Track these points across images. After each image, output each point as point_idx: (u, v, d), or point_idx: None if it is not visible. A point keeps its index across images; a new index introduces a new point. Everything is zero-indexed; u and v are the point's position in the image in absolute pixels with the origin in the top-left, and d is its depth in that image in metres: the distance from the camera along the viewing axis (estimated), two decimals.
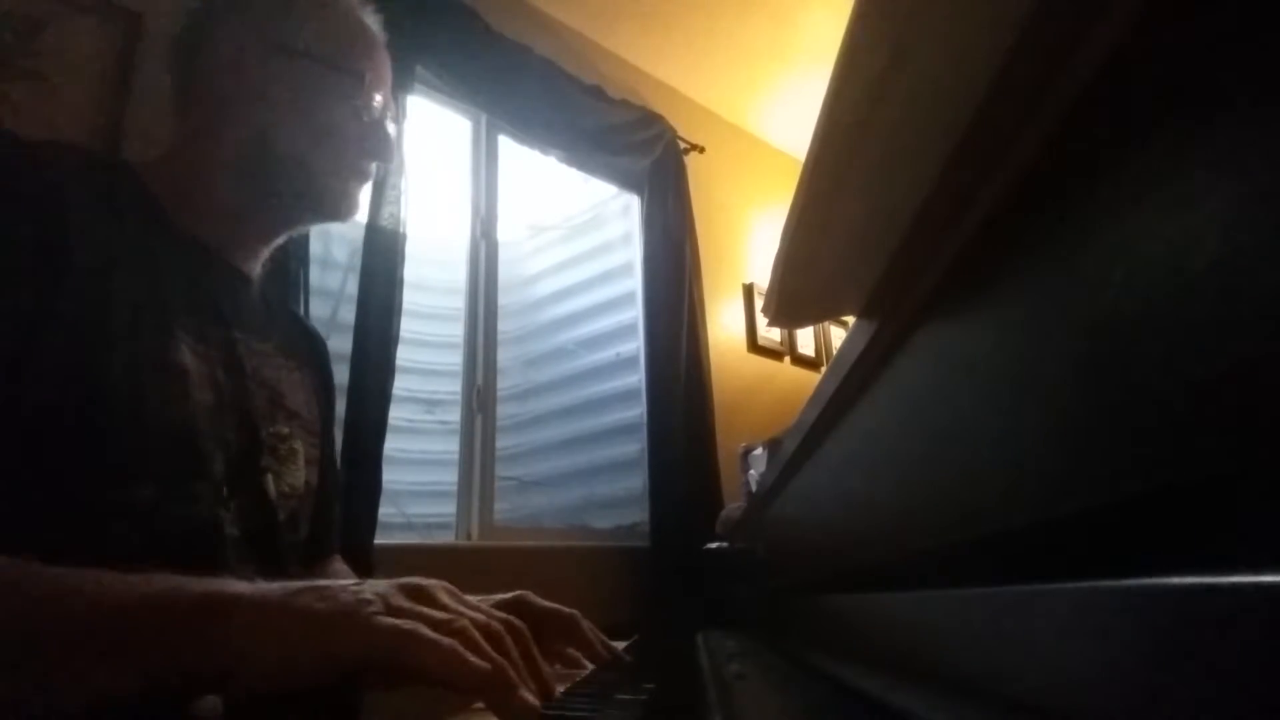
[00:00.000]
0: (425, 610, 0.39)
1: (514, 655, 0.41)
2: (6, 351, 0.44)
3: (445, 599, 0.42)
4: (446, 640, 0.36)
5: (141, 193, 0.59)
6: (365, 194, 0.73)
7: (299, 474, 0.66)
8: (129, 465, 0.49)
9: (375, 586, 0.40)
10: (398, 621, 0.36)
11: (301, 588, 0.38)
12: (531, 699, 0.38)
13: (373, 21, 0.70)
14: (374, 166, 0.70)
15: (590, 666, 0.69)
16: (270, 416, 0.64)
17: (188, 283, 0.59)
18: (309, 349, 0.76)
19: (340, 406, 1.39)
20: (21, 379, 0.44)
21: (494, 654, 0.38)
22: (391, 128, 0.70)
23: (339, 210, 0.68)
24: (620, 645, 0.73)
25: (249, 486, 0.59)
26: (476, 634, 0.39)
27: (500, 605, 0.67)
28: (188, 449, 0.53)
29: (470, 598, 0.45)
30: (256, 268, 0.69)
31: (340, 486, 0.81)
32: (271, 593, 0.37)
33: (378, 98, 0.69)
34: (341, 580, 0.41)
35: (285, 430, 0.66)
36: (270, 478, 0.62)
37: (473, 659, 0.36)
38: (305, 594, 0.38)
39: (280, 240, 0.70)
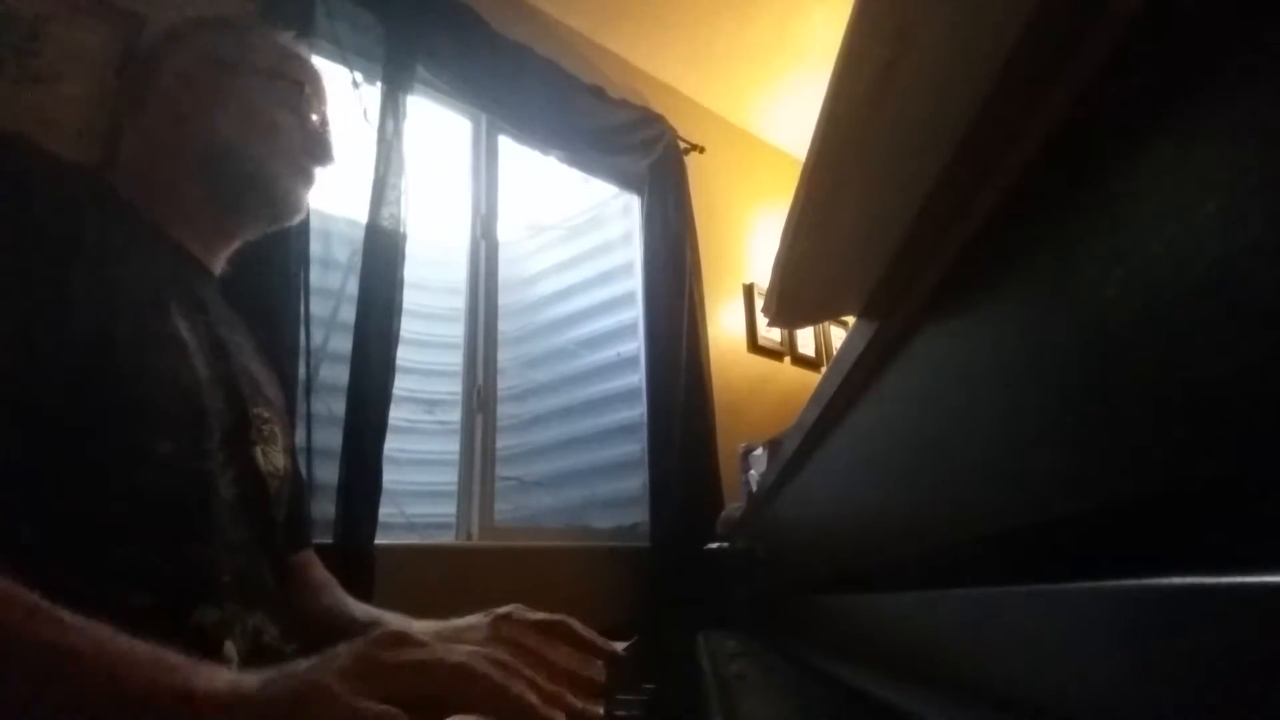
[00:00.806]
0: (407, 660, 0.38)
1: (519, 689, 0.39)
2: (36, 327, 0.50)
3: (426, 642, 0.40)
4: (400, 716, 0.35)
5: (114, 195, 0.66)
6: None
7: (279, 456, 0.71)
8: (147, 422, 0.54)
9: (337, 654, 0.38)
10: (362, 706, 0.35)
11: (273, 676, 0.37)
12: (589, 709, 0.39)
13: (306, 53, 0.81)
14: (316, 170, 0.77)
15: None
16: (253, 399, 0.69)
17: (170, 273, 0.65)
18: (266, 349, 0.82)
19: (340, 406, 1.39)
20: (51, 352, 0.50)
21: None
22: (332, 138, 0.79)
23: (286, 207, 0.75)
24: (620, 645, 0.73)
25: (242, 456, 0.64)
26: (474, 668, 0.38)
27: (487, 624, 0.68)
28: (196, 411, 0.58)
29: (453, 622, 0.45)
30: (219, 266, 0.76)
31: (304, 484, 0.86)
32: (243, 687, 0.36)
33: (317, 111, 0.77)
34: (305, 662, 0.39)
35: (265, 414, 0.70)
36: (259, 451, 0.66)
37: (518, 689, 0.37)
38: (272, 684, 0.37)
39: (238, 244, 0.77)
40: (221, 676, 0.37)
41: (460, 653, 0.39)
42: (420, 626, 0.64)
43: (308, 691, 0.35)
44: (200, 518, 0.56)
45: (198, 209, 0.71)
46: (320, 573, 0.81)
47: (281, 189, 0.74)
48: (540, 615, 0.72)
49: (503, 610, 0.67)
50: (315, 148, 0.76)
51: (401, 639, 0.39)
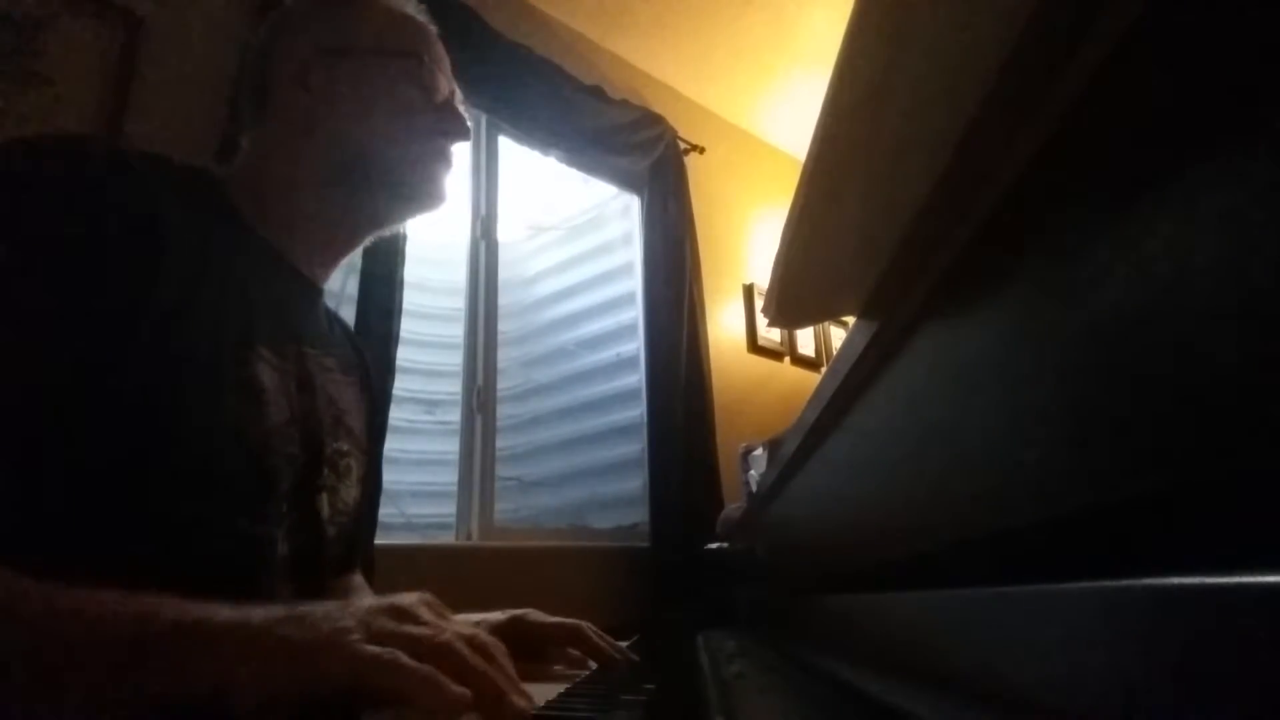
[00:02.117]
0: (408, 630, 0.39)
1: (502, 664, 0.41)
2: (97, 353, 0.44)
3: (428, 616, 0.42)
4: (425, 668, 0.36)
5: (226, 204, 0.60)
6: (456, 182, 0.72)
7: (352, 490, 0.66)
8: (203, 479, 0.49)
9: (358, 611, 0.40)
10: (378, 651, 0.36)
11: (284, 616, 0.38)
12: (521, 702, 0.39)
13: (417, 11, 0.71)
14: (453, 149, 0.69)
15: (593, 667, 0.69)
16: (334, 433, 0.64)
17: (270, 296, 0.59)
18: (359, 361, 0.76)
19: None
20: (110, 381, 0.45)
21: (479, 666, 0.39)
22: (463, 109, 0.70)
23: (427, 197, 0.67)
24: (622, 646, 0.73)
25: (305, 504, 0.59)
26: (462, 647, 0.39)
27: (498, 627, 0.67)
28: (260, 468, 0.54)
29: (470, 616, 0.45)
30: (328, 278, 0.70)
31: (377, 505, 0.82)
32: (254, 622, 0.37)
33: (442, 80, 0.69)
34: (325, 605, 0.40)
35: (345, 447, 0.66)
36: (325, 495, 0.62)
37: (451, 685, 0.36)
38: (287, 623, 0.38)
39: (366, 243, 0.70)
40: (223, 609, 0.38)
41: (449, 633, 0.40)
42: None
43: (325, 643, 0.37)
44: (251, 581, 0.53)
45: (325, 220, 0.65)
46: (352, 580, 0.77)
47: (421, 181, 0.66)
48: (555, 620, 0.72)
49: (518, 612, 0.67)
50: (447, 123, 0.67)
51: (403, 612, 0.41)
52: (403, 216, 0.69)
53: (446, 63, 0.71)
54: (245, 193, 0.61)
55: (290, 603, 0.41)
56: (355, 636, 0.37)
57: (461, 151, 0.74)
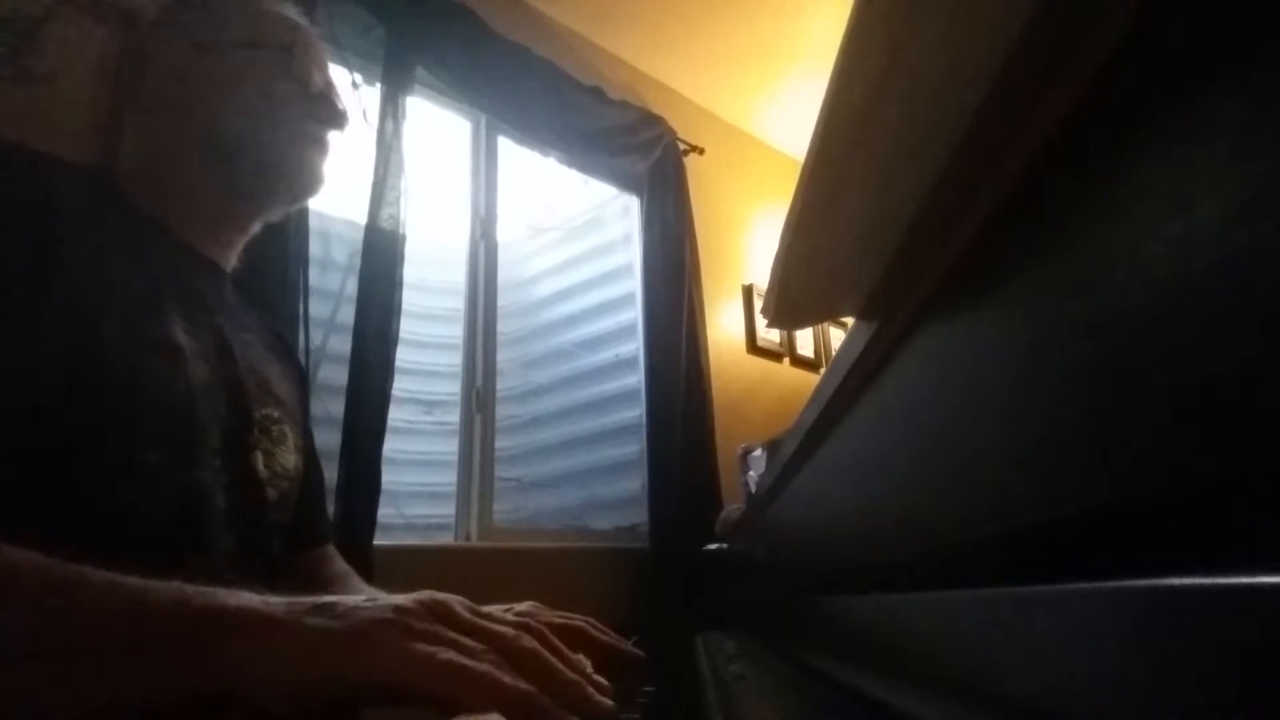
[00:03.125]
0: (451, 635, 0.37)
1: (555, 668, 0.39)
2: (14, 338, 0.47)
3: (466, 615, 0.40)
4: (483, 667, 0.35)
5: (119, 195, 0.64)
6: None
7: (290, 456, 0.69)
8: (135, 431, 0.52)
9: (391, 602, 0.38)
10: (432, 651, 0.35)
11: (313, 605, 0.36)
12: (603, 700, 0.37)
13: (288, 10, 0.75)
14: (330, 136, 0.72)
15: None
16: (260, 399, 0.67)
17: (172, 273, 0.62)
18: (281, 344, 0.80)
19: (339, 407, 1.39)
20: (29, 362, 0.47)
21: (554, 665, 0.37)
22: (339, 100, 0.73)
23: (303, 182, 0.71)
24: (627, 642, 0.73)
25: (239, 462, 0.61)
26: (530, 642, 0.37)
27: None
28: (187, 419, 0.56)
29: (490, 608, 0.44)
30: (231, 261, 0.72)
31: (323, 478, 0.83)
32: (281, 610, 0.36)
33: (315, 72, 0.72)
34: (355, 596, 0.39)
35: (275, 414, 0.68)
36: (260, 455, 0.64)
37: (512, 684, 0.34)
38: (317, 612, 0.36)
39: (255, 229, 0.73)
40: (249, 596, 0.36)
41: (509, 631, 0.39)
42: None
43: (371, 631, 0.35)
44: (192, 529, 0.55)
45: (208, 203, 0.68)
46: (335, 566, 0.79)
47: (294, 164, 0.69)
48: (559, 616, 0.72)
49: (521, 607, 0.67)
50: (320, 111, 0.71)
51: (437, 608, 0.39)
52: (282, 201, 0.72)
53: (321, 57, 0.74)
54: (136, 184, 0.65)
55: (314, 594, 0.39)
56: (396, 632, 0.35)
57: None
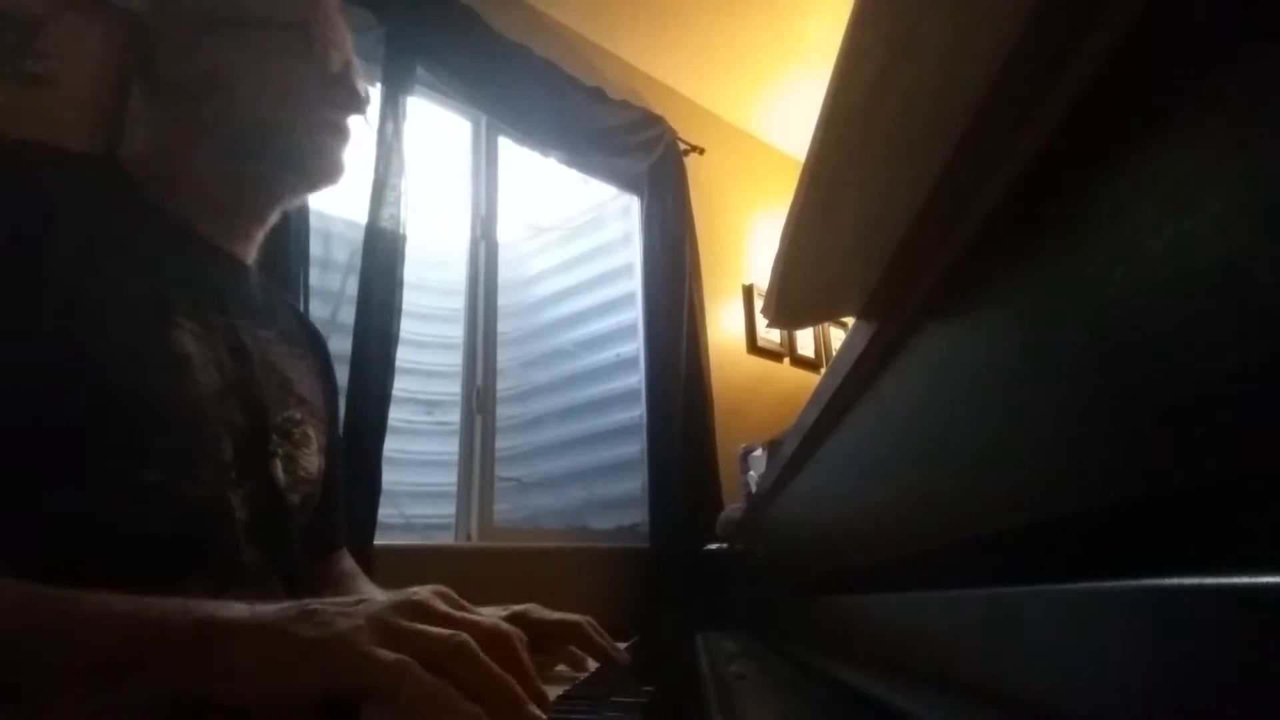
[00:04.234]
0: (422, 629, 0.38)
1: (522, 658, 0.40)
2: (7, 358, 0.45)
3: (444, 609, 0.41)
4: (435, 682, 0.35)
5: (128, 186, 0.60)
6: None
7: (313, 459, 0.66)
8: (134, 449, 0.49)
9: (370, 607, 0.39)
10: (390, 658, 0.35)
11: (298, 612, 0.37)
12: (538, 713, 0.37)
13: None
14: (348, 121, 0.68)
15: (594, 667, 0.69)
16: (281, 401, 0.63)
17: (186, 271, 0.59)
18: (309, 339, 0.76)
19: (340, 407, 1.39)
20: (21, 378, 0.45)
21: (496, 672, 0.37)
22: (359, 83, 0.69)
23: (320, 170, 0.67)
24: (620, 646, 0.73)
25: (258, 470, 0.59)
26: (477, 650, 0.38)
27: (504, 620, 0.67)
28: (192, 432, 0.53)
29: (486, 610, 0.44)
30: (252, 253, 0.69)
31: (341, 482, 0.79)
32: (268, 619, 0.37)
33: (334, 53, 0.68)
34: (339, 600, 0.40)
35: (298, 415, 0.65)
36: (279, 462, 0.61)
37: (462, 703, 0.35)
38: (301, 620, 0.37)
39: (274, 219, 0.70)
40: (239, 606, 0.37)
41: (464, 634, 0.39)
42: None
43: (334, 642, 0.36)
44: (201, 546, 0.52)
45: (225, 194, 0.64)
46: (342, 565, 0.77)
47: (311, 151, 0.65)
48: (557, 615, 0.72)
49: (519, 608, 0.67)
50: (339, 95, 0.66)
51: (418, 608, 0.40)
52: (300, 189, 0.68)
53: (343, 36, 0.70)
54: (146, 171, 0.61)
55: (320, 576, 0.40)
56: (366, 636, 0.36)
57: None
